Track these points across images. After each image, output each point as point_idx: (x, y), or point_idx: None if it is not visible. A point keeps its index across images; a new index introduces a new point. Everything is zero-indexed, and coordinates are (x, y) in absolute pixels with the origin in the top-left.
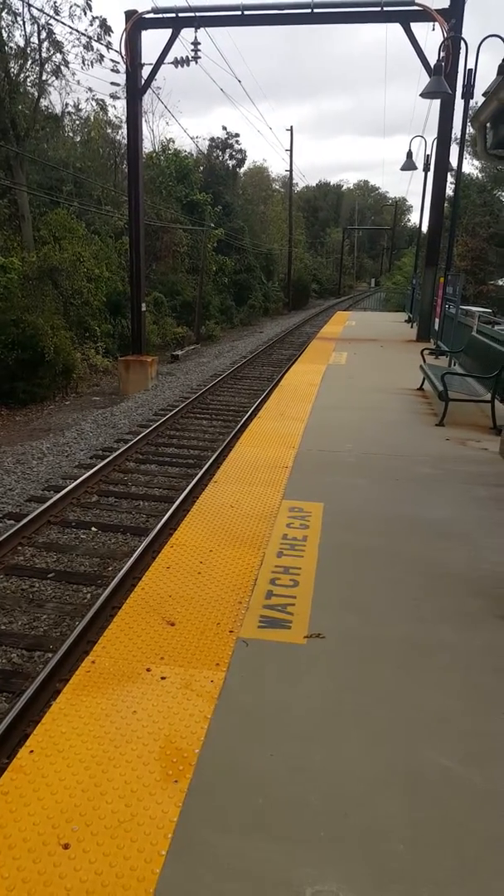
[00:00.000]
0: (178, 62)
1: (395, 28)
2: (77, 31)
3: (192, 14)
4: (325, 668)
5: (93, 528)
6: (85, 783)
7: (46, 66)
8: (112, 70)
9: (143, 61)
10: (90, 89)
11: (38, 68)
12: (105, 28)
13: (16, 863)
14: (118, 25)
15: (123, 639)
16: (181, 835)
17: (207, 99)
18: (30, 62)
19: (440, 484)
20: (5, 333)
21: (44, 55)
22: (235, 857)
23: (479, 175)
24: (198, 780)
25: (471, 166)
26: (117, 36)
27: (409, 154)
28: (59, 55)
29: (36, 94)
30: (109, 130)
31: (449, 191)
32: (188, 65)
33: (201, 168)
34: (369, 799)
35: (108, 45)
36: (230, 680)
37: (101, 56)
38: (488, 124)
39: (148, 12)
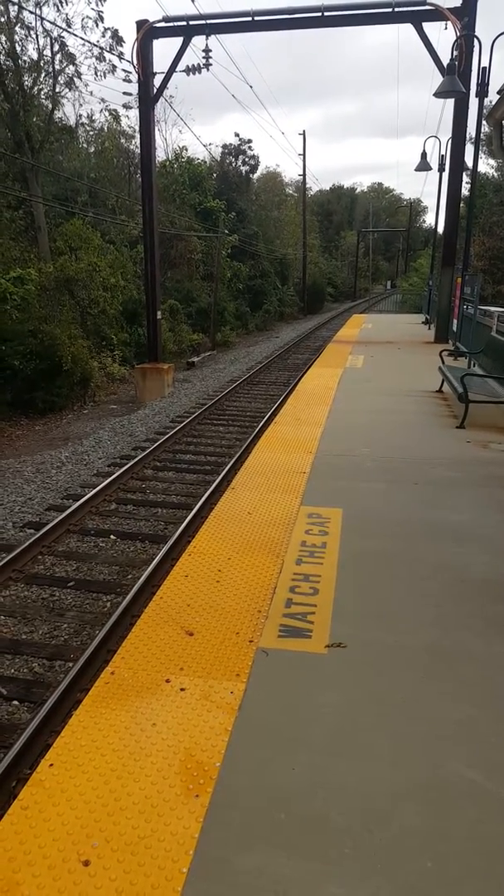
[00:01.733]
0: (189, 70)
1: (406, 28)
2: (89, 42)
3: (202, 22)
4: (346, 677)
5: (111, 536)
6: (105, 798)
7: (60, 78)
8: (124, 80)
9: (154, 70)
10: (103, 100)
11: (51, 80)
12: (117, 39)
13: (35, 880)
14: (130, 35)
15: (142, 649)
16: (203, 852)
17: (218, 105)
18: (43, 75)
19: (461, 487)
20: (24, 344)
21: (57, 67)
22: (258, 875)
23: (496, 174)
24: (219, 795)
25: (486, 165)
26: (129, 46)
27: (424, 155)
28: (71, 67)
29: (50, 106)
30: (123, 140)
31: (465, 190)
32: (200, 72)
33: (214, 175)
34: (394, 813)
35: (121, 56)
36: (250, 691)
37: (114, 66)
38: None
39: (159, 21)
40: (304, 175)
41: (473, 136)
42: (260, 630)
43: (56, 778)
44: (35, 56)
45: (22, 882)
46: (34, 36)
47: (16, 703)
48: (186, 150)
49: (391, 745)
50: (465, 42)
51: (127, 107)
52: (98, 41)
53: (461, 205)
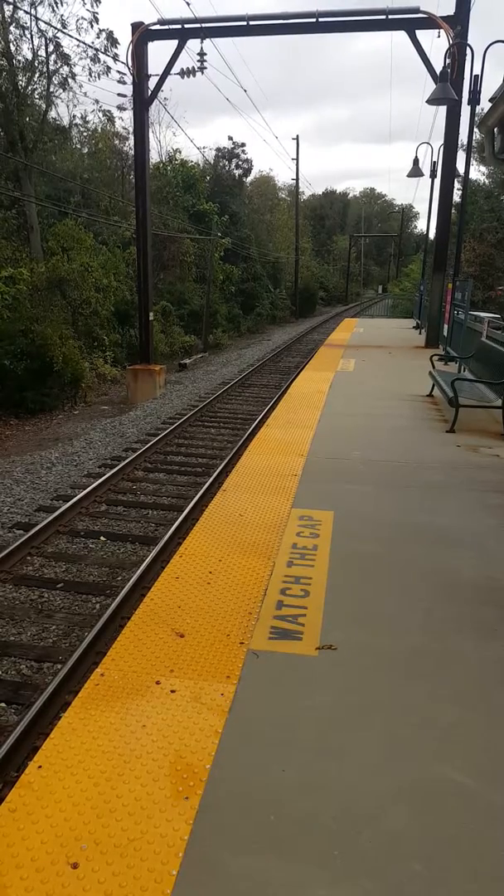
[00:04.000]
0: (184, 73)
1: (399, 35)
2: (84, 43)
3: (197, 25)
4: (337, 680)
5: (102, 538)
6: (94, 800)
7: (54, 78)
8: (119, 81)
9: (149, 72)
10: (97, 101)
11: (45, 81)
12: (112, 40)
13: (23, 883)
14: (125, 37)
15: (133, 650)
16: (192, 854)
17: (211, 109)
18: (37, 75)
19: (451, 491)
20: (15, 343)
21: (51, 68)
22: (248, 877)
23: (486, 181)
24: (209, 797)
25: (478, 172)
26: (124, 48)
27: (416, 161)
28: (66, 67)
29: (44, 106)
30: (117, 141)
31: (456, 197)
32: (194, 75)
33: (208, 178)
34: (383, 816)
35: (115, 57)
36: (241, 693)
37: (108, 68)
38: (496, 129)
39: (154, 24)
40: (297, 179)
41: (465, 142)
42: (250, 632)
43: (45, 780)
44: (29, 56)
45: (9, 885)
46: (29, 36)
47: (3, 705)
48: (180, 152)
49: (381, 747)
50: (458, 50)
51: (121, 108)
52: (93, 42)
53: (452, 211)
